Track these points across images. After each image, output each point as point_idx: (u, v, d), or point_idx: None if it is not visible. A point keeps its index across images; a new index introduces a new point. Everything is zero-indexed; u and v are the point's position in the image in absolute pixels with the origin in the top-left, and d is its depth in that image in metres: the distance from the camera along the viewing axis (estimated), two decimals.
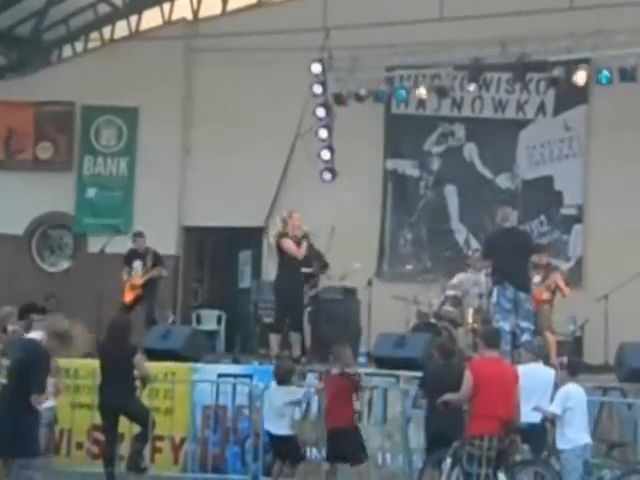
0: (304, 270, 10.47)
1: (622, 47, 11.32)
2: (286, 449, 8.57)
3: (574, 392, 7.67)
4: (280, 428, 8.49)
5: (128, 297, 11.52)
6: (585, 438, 7.63)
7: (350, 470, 8.25)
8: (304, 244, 10.13)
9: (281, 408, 8.50)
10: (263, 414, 8.79)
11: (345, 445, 8.12)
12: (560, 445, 7.59)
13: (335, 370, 8.30)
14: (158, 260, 11.69)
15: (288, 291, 10.15)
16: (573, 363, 8.19)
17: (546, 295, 10.31)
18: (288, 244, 10.04)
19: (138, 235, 11.87)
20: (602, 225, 12.53)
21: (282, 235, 10.09)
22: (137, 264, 11.55)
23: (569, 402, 7.58)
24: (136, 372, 8.67)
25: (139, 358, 8.76)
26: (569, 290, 10.48)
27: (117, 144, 14.46)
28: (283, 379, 8.64)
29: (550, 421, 7.75)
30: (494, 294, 9.77)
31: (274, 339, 10.24)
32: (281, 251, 10.19)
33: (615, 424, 8.81)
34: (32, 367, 5.57)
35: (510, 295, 9.54)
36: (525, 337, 9.49)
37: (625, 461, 8.40)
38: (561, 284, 10.32)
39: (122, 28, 14.79)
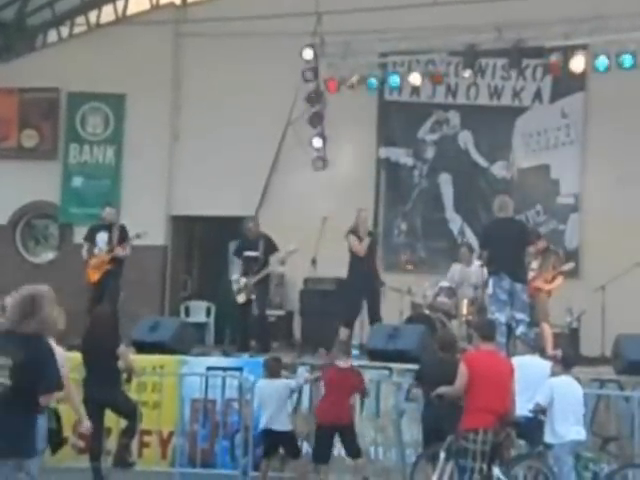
0: (248, 254, 10.79)
1: (620, 32, 11.12)
2: (285, 444, 8.45)
3: (557, 385, 7.52)
4: (282, 423, 8.37)
5: (94, 276, 10.85)
6: (574, 432, 7.46)
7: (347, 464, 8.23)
8: (366, 241, 10.49)
9: (281, 401, 8.36)
10: (254, 409, 8.62)
11: (348, 442, 8.17)
12: (548, 439, 7.46)
13: (343, 363, 8.21)
14: (125, 236, 10.91)
15: (353, 287, 10.41)
16: (567, 357, 8.01)
17: (541, 284, 10.14)
18: (351, 240, 10.40)
19: (109, 204, 11.27)
20: (599, 214, 12.37)
21: (352, 231, 10.43)
22: (101, 237, 10.79)
23: (552, 394, 7.42)
24: (121, 364, 8.51)
25: (123, 350, 8.61)
26: (562, 279, 10.31)
27: (104, 132, 14.23)
28: (275, 373, 8.54)
29: (542, 413, 7.56)
30: (490, 285, 9.59)
31: (344, 333, 10.26)
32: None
33: (612, 417, 8.70)
34: (41, 366, 5.23)
35: (506, 286, 9.37)
36: (520, 329, 9.35)
37: (622, 455, 8.26)
38: (546, 287, 10.15)
39: (109, 13, 14.56)
